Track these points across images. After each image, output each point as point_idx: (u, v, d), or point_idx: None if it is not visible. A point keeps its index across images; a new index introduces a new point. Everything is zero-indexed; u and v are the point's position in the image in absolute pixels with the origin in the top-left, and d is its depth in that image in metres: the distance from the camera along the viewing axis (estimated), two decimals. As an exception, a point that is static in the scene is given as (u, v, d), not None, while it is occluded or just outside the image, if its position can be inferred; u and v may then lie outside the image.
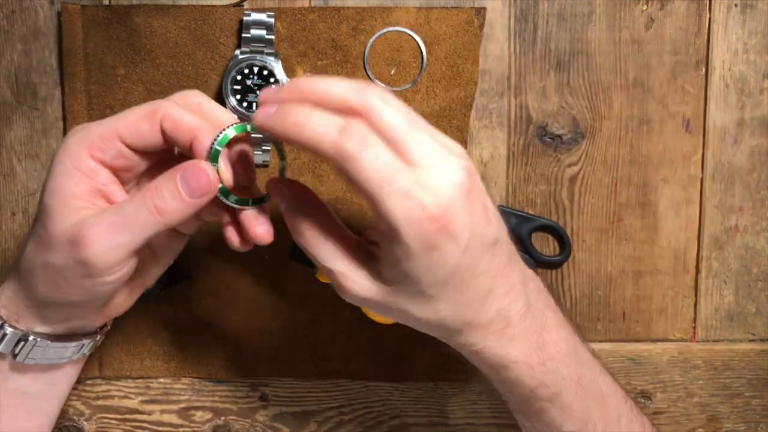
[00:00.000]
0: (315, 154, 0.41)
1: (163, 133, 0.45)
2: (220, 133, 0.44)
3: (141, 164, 0.47)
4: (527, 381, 0.47)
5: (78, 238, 0.43)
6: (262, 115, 0.41)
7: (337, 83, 0.41)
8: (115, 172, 0.46)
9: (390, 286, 0.43)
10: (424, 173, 0.40)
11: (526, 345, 0.46)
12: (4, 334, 0.47)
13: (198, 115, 0.45)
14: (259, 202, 0.46)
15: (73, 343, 0.50)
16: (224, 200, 0.45)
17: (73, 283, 0.45)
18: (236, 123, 0.45)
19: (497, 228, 0.43)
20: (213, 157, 0.44)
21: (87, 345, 0.52)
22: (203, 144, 0.44)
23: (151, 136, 0.45)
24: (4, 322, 0.47)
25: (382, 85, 0.62)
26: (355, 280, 0.44)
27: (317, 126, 0.40)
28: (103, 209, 0.44)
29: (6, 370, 0.49)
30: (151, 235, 0.44)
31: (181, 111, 0.45)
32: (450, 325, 0.45)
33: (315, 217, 0.45)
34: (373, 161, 0.39)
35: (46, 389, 0.52)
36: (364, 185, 0.39)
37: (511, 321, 0.45)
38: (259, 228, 0.46)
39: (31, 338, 0.48)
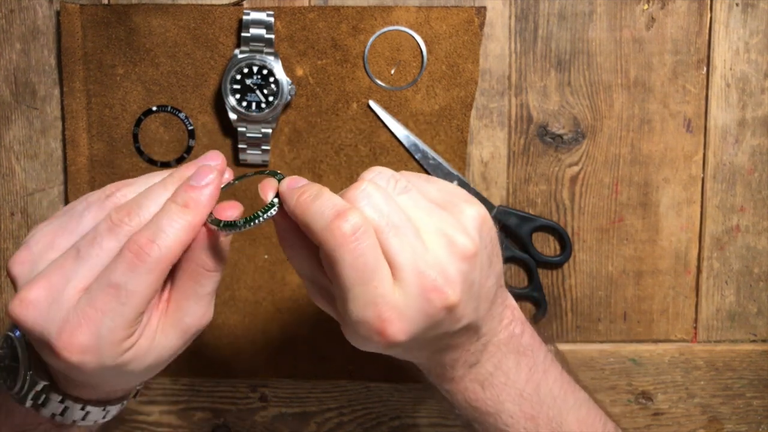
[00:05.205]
0: (312, 237, 0.39)
1: None
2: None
3: None
4: (464, 411, 0.47)
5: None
6: (289, 185, 0.41)
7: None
8: None
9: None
10: (400, 291, 0.38)
11: (463, 385, 0.46)
12: (48, 399, 0.44)
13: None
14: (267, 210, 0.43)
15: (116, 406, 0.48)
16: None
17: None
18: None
19: (471, 317, 0.41)
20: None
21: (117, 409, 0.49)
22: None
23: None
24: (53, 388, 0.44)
25: (382, 84, 0.62)
26: (316, 297, 0.44)
27: (318, 205, 0.38)
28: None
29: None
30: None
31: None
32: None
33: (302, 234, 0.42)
34: (354, 259, 0.37)
35: None
36: (338, 278, 0.38)
37: (456, 373, 0.45)
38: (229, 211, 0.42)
39: (81, 406, 0.45)
